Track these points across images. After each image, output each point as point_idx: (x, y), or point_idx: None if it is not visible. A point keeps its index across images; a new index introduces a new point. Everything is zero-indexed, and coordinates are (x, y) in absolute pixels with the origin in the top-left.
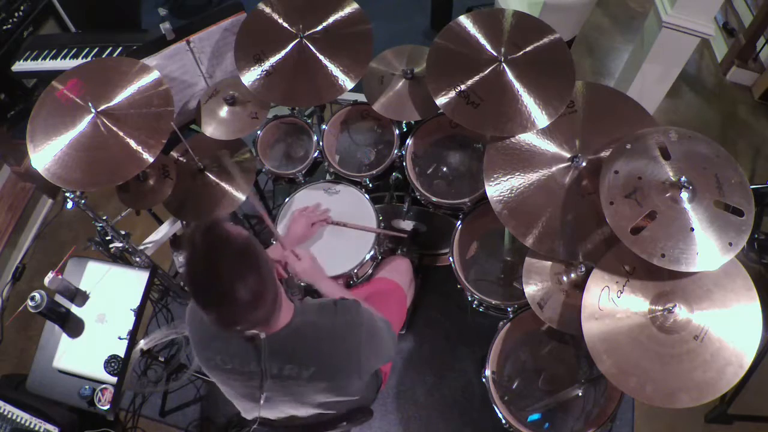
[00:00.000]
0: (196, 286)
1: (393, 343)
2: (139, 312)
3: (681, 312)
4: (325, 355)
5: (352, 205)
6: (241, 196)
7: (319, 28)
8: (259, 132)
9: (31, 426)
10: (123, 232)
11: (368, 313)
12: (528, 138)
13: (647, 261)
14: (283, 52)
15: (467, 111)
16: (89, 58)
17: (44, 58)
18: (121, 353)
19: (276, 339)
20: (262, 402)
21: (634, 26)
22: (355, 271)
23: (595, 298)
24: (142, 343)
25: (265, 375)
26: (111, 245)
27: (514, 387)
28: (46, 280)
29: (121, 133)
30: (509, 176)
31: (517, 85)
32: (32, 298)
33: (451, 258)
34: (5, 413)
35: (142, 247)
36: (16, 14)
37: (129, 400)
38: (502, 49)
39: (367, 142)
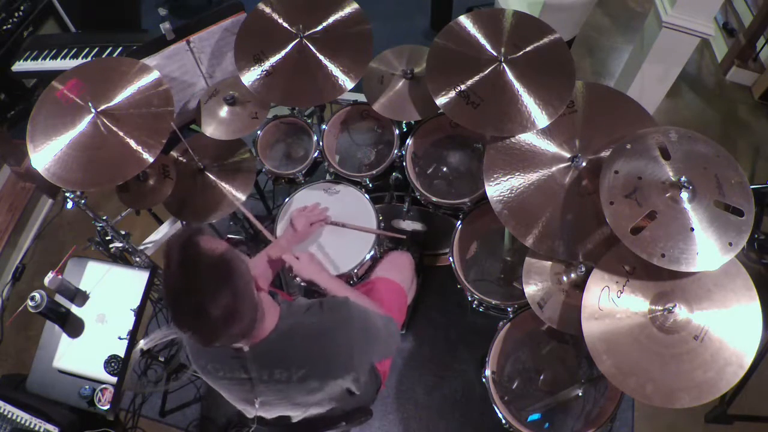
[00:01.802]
0: (172, 304)
1: (394, 339)
2: (139, 312)
3: (681, 312)
4: (314, 355)
5: (352, 205)
6: (242, 197)
7: (319, 28)
8: (259, 132)
9: (31, 426)
10: (123, 232)
11: (359, 309)
12: (528, 138)
13: (647, 261)
14: (283, 52)
15: (467, 111)
16: (89, 58)
17: (44, 58)
18: (121, 353)
19: (262, 347)
20: (257, 407)
21: (634, 26)
22: (355, 271)
23: (595, 298)
24: (142, 343)
25: (254, 382)
26: (111, 245)
27: (514, 387)
28: (46, 280)
29: (121, 133)
30: (509, 176)
31: (517, 85)
32: (32, 298)
33: (451, 258)
34: (5, 413)
35: (142, 247)
36: (16, 14)
37: (129, 400)
38: (502, 49)
39: (367, 142)
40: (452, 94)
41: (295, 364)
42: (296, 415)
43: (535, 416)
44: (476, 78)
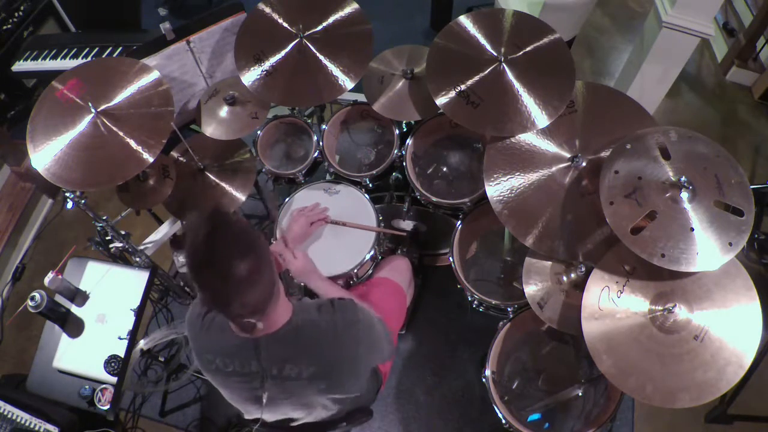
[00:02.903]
0: (195, 261)
1: (389, 342)
2: (139, 312)
3: (681, 312)
4: (324, 354)
5: (352, 205)
6: (242, 197)
7: (319, 28)
8: (259, 132)
9: (31, 426)
10: (123, 232)
11: (365, 311)
12: (528, 138)
13: (647, 261)
14: (283, 52)
15: (467, 111)
16: (89, 58)
17: (44, 58)
18: (121, 353)
19: (275, 338)
20: (264, 403)
21: (634, 26)
22: (355, 271)
23: (595, 298)
24: (142, 343)
25: (265, 375)
26: (111, 245)
27: (514, 387)
28: (46, 280)
29: (121, 133)
30: (509, 176)
31: (517, 85)
32: (32, 298)
33: (451, 258)
34: (5, 413)
35: (142, 247)
36: (16, 14)
37: (129, 400)
38: (502, 49)
39: (367, 142)
40: (452, 94)
41: (305, 361)
42: (300, 417)
43: (535, 416)
44: (476, 78)
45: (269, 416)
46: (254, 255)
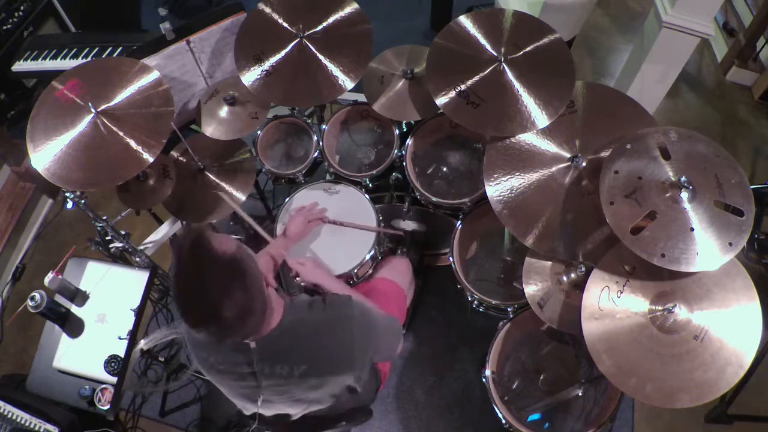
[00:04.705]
0: (183, 305)
1: (397, 338)
2: (139, 312)
3: (681, 312)
4: (315, 352)
5: (352, 205)
6: (242, 197)
7: (319, 28)
8: (259, 132)
9: (31, 426)
10: (123, 232)
11: (362, 307)
12: (528, 138)
13: (647, 261)
14: (283, 52)
15: (467, 111)
16: (89, 58)
17: (44, 58)
18: (121, 353)
19: (266, 341)
20: (260, 403)
21: (634, 26)
22: (355, 271)
23: (595, 298)
24: (142, 343)
25: (257, 375)
26: (111, 245)
27: (514, 387)
28: (46, 280)
29: (121, 133)
30: (509, 176)
31: (517, 85)
32: (32, 298)
33: (451, 258)
34: (5, 413)
35: (142, 247)
36: (16, 14)
37: (129, 400)
38: (502, 49)
39: (367, 142)
40: (452, 94)
41: (296, 360)
42: (296, 412)
43: (535, 416)
44: (476, 78)
45: (266, 411)
46: (243, 291)
